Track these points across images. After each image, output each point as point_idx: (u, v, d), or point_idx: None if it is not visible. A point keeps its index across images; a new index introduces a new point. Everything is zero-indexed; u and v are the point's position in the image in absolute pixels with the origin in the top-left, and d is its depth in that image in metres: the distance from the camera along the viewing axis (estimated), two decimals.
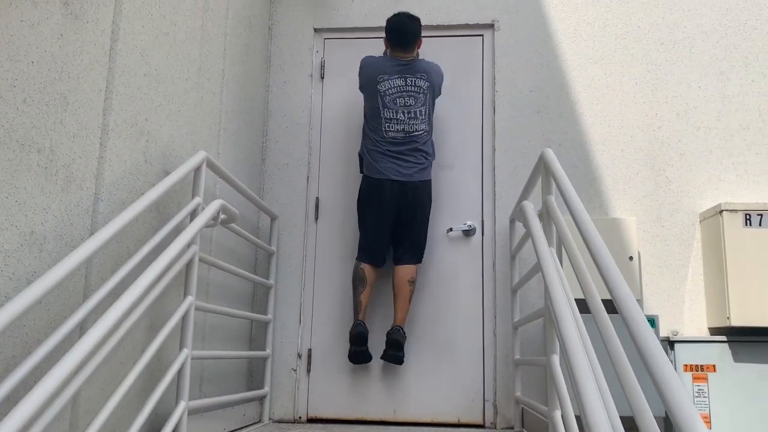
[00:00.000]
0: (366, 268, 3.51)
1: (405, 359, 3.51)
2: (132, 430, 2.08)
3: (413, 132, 3.49)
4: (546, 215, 2.54)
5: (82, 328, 2.01)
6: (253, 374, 3.76)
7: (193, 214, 2.57)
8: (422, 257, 3.63)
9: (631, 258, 3.57)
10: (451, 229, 3.82)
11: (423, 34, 4.04)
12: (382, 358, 3.43)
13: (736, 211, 3.42)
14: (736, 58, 3.86)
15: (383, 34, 4.06)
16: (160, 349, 2.56)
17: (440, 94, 3.68)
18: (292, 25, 4.16)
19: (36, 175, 1.79)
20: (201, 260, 2.65)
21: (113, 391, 2.00)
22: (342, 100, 4.03)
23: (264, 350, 3.64)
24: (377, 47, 4.00)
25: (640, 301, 3.64)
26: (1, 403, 1.54)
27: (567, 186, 2.13)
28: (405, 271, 3.52)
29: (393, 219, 3.52)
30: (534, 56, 3.98)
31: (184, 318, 2.52)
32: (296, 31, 4.15)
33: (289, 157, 4.00)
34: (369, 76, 3.57)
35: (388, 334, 3.44)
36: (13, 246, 1.70)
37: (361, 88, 3.63)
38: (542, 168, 2.58)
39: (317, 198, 3.95)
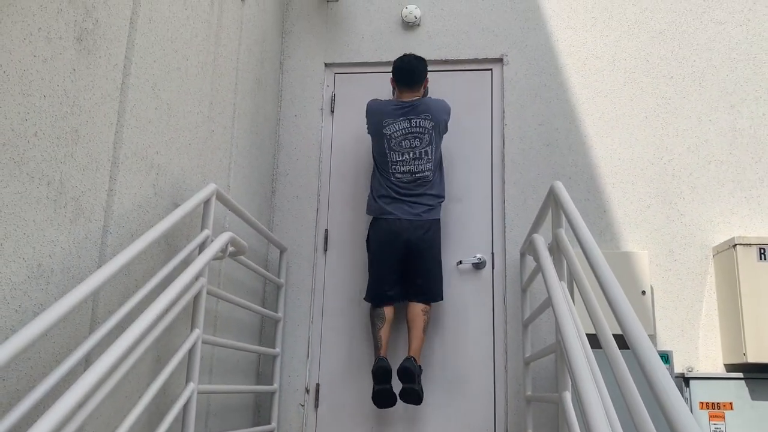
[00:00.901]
0: (385, 308, 3.47)
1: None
2: None
3: (418, 173, 3.50)
4: (556, 249, 2.52)
5: (87, 362, 2.00)
6: (260, 409, 3.71)
7: (201, 247, 2.57)
8: (439, 296, 3.57)
9: (643, 292, 3.52)
10: (461, 262, 3.79)
11: (433, 68, 4.09)
12: (400, 398, 3.31)
13: (750, 245, 3.38)
14: (747, 92, 3.86)
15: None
16: (166, 383, 2.54)
17: (447, 130, 3.67)
18: (303, 60, 4.21)
19: (45, 207, 1.80)
20: (209, 293, 2.64)
21: (118, 425, 1.97)
22: (351, 133, 4.06)
23: (271, 384, 3.60)
24: (386, 82, 4.03)
25: (653, 337, 3.58)
26: None
27: (577, 219, 2.12)
28: (417, 305, 3.46)
29: (402, 258, 3.48)
30: (543, 90, 3.99)
31: (191, 351, 2.50)
32: (307, 66, 4.20)
33: (299, 189, 4.01)
34: (374, 121, 3.60)
35: (404, 362, 3.27)
36: (20, 278, 1.70)
37: (369, 131, 3.66)
38: (552, 201, 2.57)
39: (326, 230, 3.95)
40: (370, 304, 3.54)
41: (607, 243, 3.74)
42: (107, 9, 2.11)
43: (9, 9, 1.66)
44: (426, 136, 3.51)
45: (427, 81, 3.68)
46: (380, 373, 3.27)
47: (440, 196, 3.58)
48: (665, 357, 3.34)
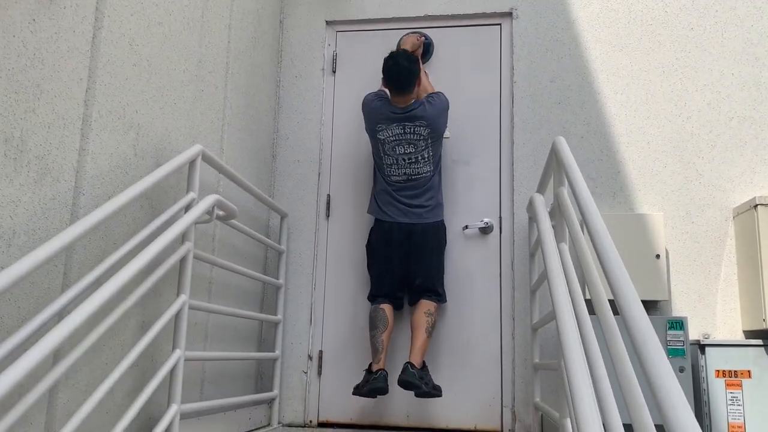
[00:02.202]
0: (384, 307, 3.33)
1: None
2: (120, 429, 1.99)
3: (414, 175, 3.35)
4: (558, 209, 2.37)
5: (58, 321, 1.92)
6: (263, 377, 3.65)
7: (187, 210, 2.47)
8: (444, 299, 3.45)
9: (658, 256, 3.36)
10: (467, 227, 3.66)
11: (439, 24, 3.92)
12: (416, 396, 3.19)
13: None
14: None
15: (397, 26, 3.95)
16: (153, 350, 2.47)
17: (446, 125, 3.46)
18: (303, 18, 4.06)
19: (3, 166, 1.71)
20: (196, 257, 2.54)
21: (98, 394, 1.91)
22: (354, 94, 3.90)
23: (273, 352, 3.53)
24: (391, 40, 3.87)
25: (667, 302, 3.43)
26: None
27: (576, 176, 1.97)
28: (423, 305, 3.32)
29: (403, 263, 3.36)
30: (554, 45, 3.79)
31: (178, 317, 2.42)
32: (308, 24, 4.04)
33: (301, 153, 3.89)
34: (369, 122, 3.43)
35: (402, 374, 3.11)
36: None
37: (365, 128, 3.50)
38: (554, 158, 2.41)
39: (329, 195, 3.83)
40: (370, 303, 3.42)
41: (620, 205, 3.57)
42: None
43: None
44: (421, 142, 3.34)
45: (420, 80, 3.42)
46: (372, 390, 3.11)
47: (439, 199, 3.43)
48: (679, 323, 3.19)
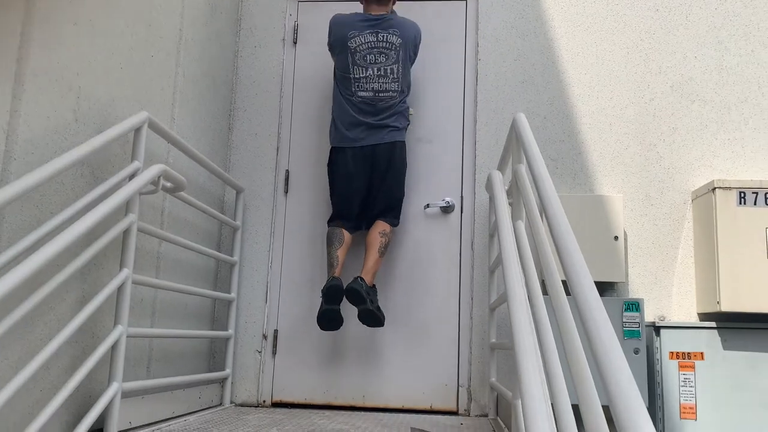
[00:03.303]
0: (343, 228, 3.29)
1: (376, 341, 3.28)
2: (48, 410, 1.89)
3: (383, 91, 3.27)
4: (515, 186, 2.32)
5: None
6: (215, 355, 3.56)
7: (131, 180, 2.35)
8: (397, 220, 3.39)
9: (616, 238, 3.34)
10: (428, 206, 3.60)
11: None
12: (361, 322, 3.15)
13: (729, 188, 3.19)
14: (736, 27, 3.61)
15: None
16: (94, 326, 2.37)
17: (416, 55, 3.42)
18: None
19: None
20: (141, 230, 2.43)
21: (33, 369, 1.80)
22: (315, 67, 3.80)
23: (227, 330, 3.44)
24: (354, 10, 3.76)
25: (625, 284, 3.43)
26: None
27: (534, 154, 1.91)
28: (378, 225, 3.28)
29: (364, 186, 3.29)
30: (520, 22, 3.73)
31: (120, 292, 2.31)
32: None
33: (258, 126, 3.77)
34: (339, 34, 3.34)
35: (350, 283, 3.08)
36: None
37: (331, 47, 3.39)
38: (513, 135, 2.35)
39: (287, 170, 3.73)
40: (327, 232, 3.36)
41: (581, 186, 3.54)
42: None
43: None
44: (393, 52, 3.28)
45: (394, 1, 3.40)
46: (331, 293, 3.07)
47: (405, 119, 3.36)
48: (635, 305, 3.19)
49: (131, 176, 2.38)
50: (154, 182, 2.42)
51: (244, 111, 3.80)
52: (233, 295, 3.46)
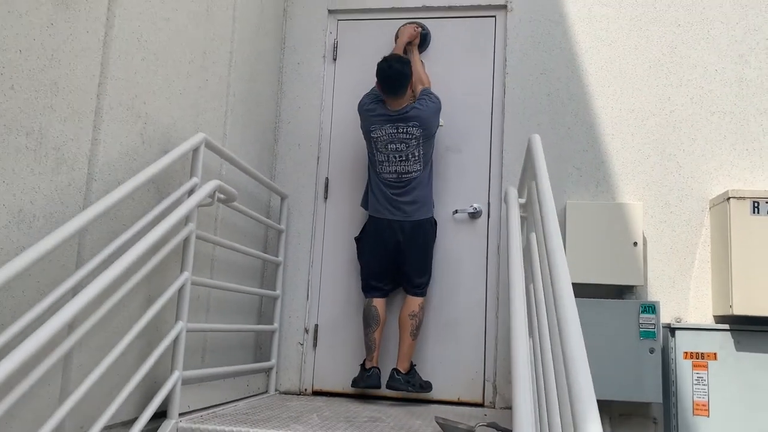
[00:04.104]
0: (377, 303, 3.57)
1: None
2: (124, 393, 2.23)
3: (405, 173, 3.53)
4: (529, 201, 2.57)
5: (73, 295, 2.15)
6: (262, 347, 3.90)
7: (190, 194, 2.68)
8: (425, 290, 3.64)
9: (635, 243, 3.55)
10: (456, 211, 3.86)
11: (437, 15, 4.08)
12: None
13: (743, 198, 3.36)
14: (757, 41, 3.75)
15: (396, 16, 4.11)
16: (158, 321, 2.71)
17: (438, 125, 3.63)
18: (306, 7, 4.22)
19: (24, 156, 1.92)
20: (199, 238, 2.77)
21: (110, 360, 2.14)
22: (353, 81, 4.09)
23: (272, 324, 3.77)
24: (389, 29, 4.04)
25: (642, 287, 3.63)
26: None
27: (541, 173, 2.16)
28: (408, 306, 3.55)
29: (394, 255, 3.56)
30: (546, 38, 3.94)
31: (181, 292, 2.65)
32: (310, 13, 4.21)
33: (301, 137, 4.09)
34: (363, 123, 3.61)
35: (389, 380, 3.43)
36: (1, 223, 1.83)
37: (360, 127, 3.68)
38: (529, 154, 2.60)
39: (327, 178, 4.04)
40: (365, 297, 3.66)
41: (603, 193, 3.75)
42: None
43: None
44: (413, 141, 3.51)
45: (412, 83, 3.63)
46: (368, 386, 3.44)
47: (428, 197, 3.59)
48: (652, 307, 3.40)
49: (191, 191, 2.71)
50: (211, 196, 2.75)
51: (288, 123, 4.11)
52: (278, 292, 3.80)
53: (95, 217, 2.05)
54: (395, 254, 3.56)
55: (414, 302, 3.56)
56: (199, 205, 2.73)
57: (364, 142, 3.90)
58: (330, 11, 4.20)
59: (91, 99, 2.24)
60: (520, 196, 2.95)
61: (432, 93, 3.63)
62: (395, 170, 3.54)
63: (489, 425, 2.73)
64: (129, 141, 2.48)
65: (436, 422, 2.72)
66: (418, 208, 3.55)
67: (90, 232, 2.25)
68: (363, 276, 3.67)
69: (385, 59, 3.54)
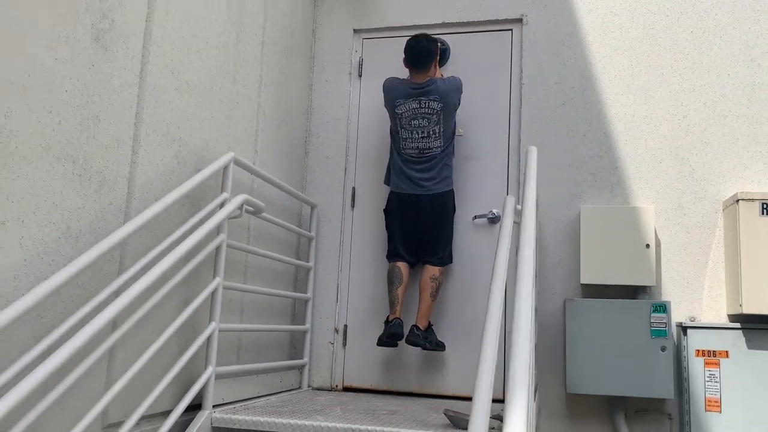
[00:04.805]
0: (400, 265, 3.81)
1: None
2: (161, 385, 2.54)
3: (426, 149, 3.77)
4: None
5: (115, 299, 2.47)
6: (295, 346, 4.19)
7: (221, 208, 2.98)
8: (448, 260, 3.87)
9: (647, 245, 3.67)
10: (476, 217, 4.06)
11: (455, 31, 4.29)
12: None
13: (752, 200, 3.46)
14: None
15: (417, 32, 4.33)
16: (194, 322, 3.02)
17: (459, 105, 3.87)
18: (334, 28, 4.50)
19: (71, 181, 2.25)
20: (229, 246, 3.07)
21: (148, 356, 2.44)
22: (377, 96, 4.32)
23: (304, 325, 4.06)
24: None
25: (657, 288, 3.75)
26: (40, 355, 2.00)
27: (529, 185, 2.36)
28: (428, 270, 3.78)
29: (414, 227, 3.80)
30: (561, 49, 4.11)
31: (213, 296, 2.95)
32: (337, 33, 4.48)
33: (329, 150, 4.36)
34: (388, 100, 3.87)
35: (408, 335, 3.66)
36: (52, 239, 2.16)
37: (385, 107, 3.93)
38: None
39: (353, 188, 4.30)
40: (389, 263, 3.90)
41: (618, 197, 3.89)
42: (122, 10, 2.50)
43: (31, 27, 2.07)
44: (434, 116, 3.75)
45: (436, 61, 3.87)
46: (392, 336, 3.66)
47: (448, 172, 3.82)
48: (663, 307, 3.53)
49: (221, 205, 3.01)
50: (239, 208, 3.04)
51: (317, 137, 4.40)
52: (309, 295, 4.08)
53: (134, 231, 2.35)
54: (416, 227, 3.80)
55: (435, 269, 3.78)
56: (229, 218, 3.03)
57: (386, 153, 4.15)
58: (355, 30, 4.47)
59: (129, 128, 2.56)
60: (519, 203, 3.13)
61: (454, 75, 3.92)
62: (417, 146, 3.78)
63: (449, 412, 2.93)
64: (165, 162, 2.79)
65: (445, 414, 2.94)
66: (438, 182, 3.79)
67: (130, 244, 2.56)
68: (389, 245, 3.91)
69: (414, 36, 3.88)
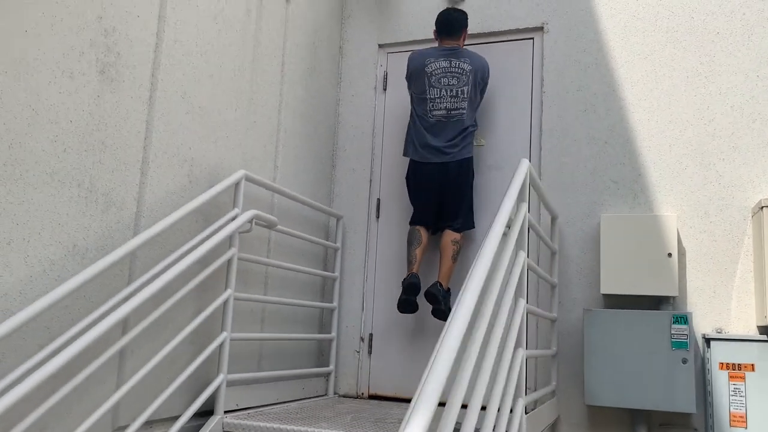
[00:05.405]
0: (420, 229, 3.90)
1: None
2: (168, 392, 2.71)
3: (454, 109, 3.83)
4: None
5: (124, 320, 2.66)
6: (323, 354, 4.32)
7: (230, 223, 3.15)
8: (469, 225, 3.94)
9: (669, 254, 3.58)
10: None
11: (477, 41, 4.32)
12: (432, 314, 3.74)
13: None
14: None
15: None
16: (209, 331, 3.19)
17: (485, 87, 3.94)
18: (359, 43, 4.62)
19: (77, 203, 2.45)
20: (242, 259, 3.23)
21: (157, 361, 2.62)
22: (401, 108, 4.42)
23: (330, 333, 4.18)
24: None
25: (682, 298, 3.64)
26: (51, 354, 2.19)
27: (507, 200, 2.40)
28: (449, 234, 3.84)
29: (437, 195, 3.86)
30: (582, 55, 4.06)
31: (225, 306, 3.11)
32: (363, 49, 4.60)
33: (355, 162, 4.48)
34: (417, 62, 3.96)
35: (429, 287, 3.69)
36: (58, 257, 2.37)
37: (409, 77, 4.01)
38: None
39: (378, 199, 4.40)
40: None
41: (641, 205, 3.80)
42: (128, 43, 2.71)
43: (36, 62, 2.29)
44: (464, 76, 3.85)
45: (465, 32, 4.02)
46: (409, 288, 3.71)
47: (471, 137, 3.86)
48: (684, 318, 3.43)
49: (233, 219, 3.17)
50: (249, 222, 3.20)
51: (344, 151, 4.53)
52: (335, 304, 4.20)
53: (141, 244, 2.53)
54: (440, 194, 3.86)
55: (455, 234, 3.84)
56: (240, 231, 3.19)
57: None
58: (380, 45, 4.57)
59: (137, 151, 2.76)
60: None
61: None
62: (446, 106, 3.85)
63: None
64: (176, 182, 2.98)
65: None
66: (461, 149, 3.83)
67: (140, 258, 2.76)
68: (414, 211, 3.97)
69: (444, 9, 4.07)
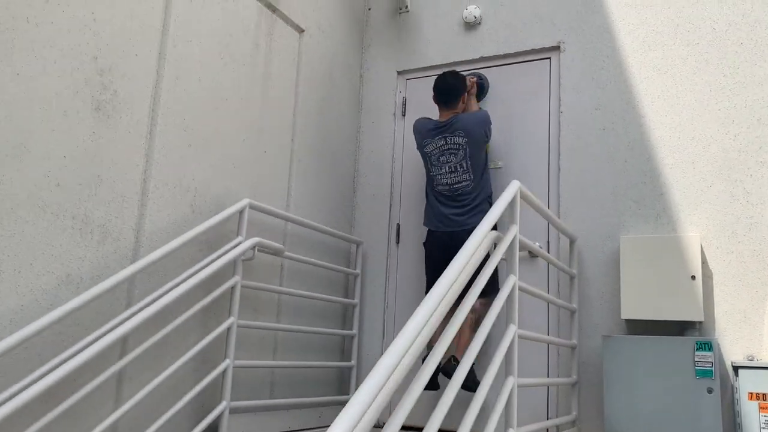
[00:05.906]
0: None
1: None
2: (168, 414, 2.76)
3: (455, 184, 3.77)
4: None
5: (123, 343, 2.74)
6: (344, 382, 4.30)
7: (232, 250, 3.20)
8: (489, 291, 3.78)
9: (693, 277, 3.40)
10: None
11: (493, 64, 4.29)
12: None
13: None
14: None
15: (457, 69, 4.38)
16: (213, 358, 3.23)
17: (489, 137, 3.84)
18: (379, 71, 4.66)
19: (71, 235, 2.56)
20: (246, 287, 3.27)
21: (157, 386, 2.68)
22: None
23: (350, 361, 4.17)
24: None
25: (710, 323, 3.43)
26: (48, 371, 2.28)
27: (488, 217, 2.36)
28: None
29: (447, 263, 3.75)
30: (600, 73, 3.95)
31: (228, 334, 3.16)
32: (383, 76, 4.64)
33: (375, 188, 4.49)
34: (417, 141, 3.94)
35: (444, 364, 3.53)
36: (51, 286, 2.48)
37: (417, 149, 4.00)
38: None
39: (398, 224, 4.38)
40: None
41: (664, 226, 3.63)
42: (125, 81, 2.83)
43: (28, 103, 2.43)
44: (461, 151, 3.75)
45: (464, 97, 3.89)
46: (442, 371, 3.55)
47: (480, 197, 3.77)
48: (708, 345, 3.23)
49: (236, 247, 3.23)
50: (252, 249, 3.25)
51: (364, 176, 4.55)
52: (354, 331, 4.19)
53: (137, 272, 2.62)
54: (447, 262, 3.75)
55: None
56: (243, 259, 3.24)
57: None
58: (399, 72, 4.60)
59: (135, 184, 2.86)
60: None
61: (481, 109, 3.93)
62: (447, 182, 3.79)
63: None
64: (178, 212, 3.07)
65: None
66: (470, 217, 3.74)
67: (138, 286, 2.84)
68: (427, 282, 3.89)
69: (441, 73, 3.95)
